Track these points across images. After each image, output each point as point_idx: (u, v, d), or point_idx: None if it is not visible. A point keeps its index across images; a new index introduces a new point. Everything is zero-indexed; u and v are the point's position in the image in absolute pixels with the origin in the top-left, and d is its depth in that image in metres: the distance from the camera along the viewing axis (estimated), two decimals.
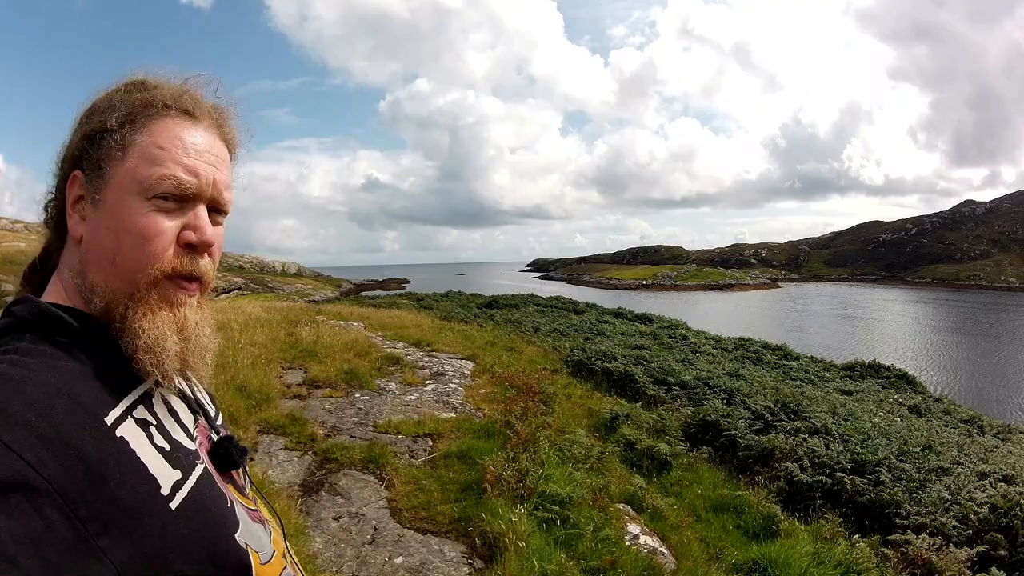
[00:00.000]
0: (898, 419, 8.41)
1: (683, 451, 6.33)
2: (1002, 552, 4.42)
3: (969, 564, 4.29)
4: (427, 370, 8.26)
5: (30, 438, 0.56)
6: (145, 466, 0.65)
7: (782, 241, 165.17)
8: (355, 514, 3.88)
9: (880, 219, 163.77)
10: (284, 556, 0.84)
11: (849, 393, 11.40)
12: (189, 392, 0.85)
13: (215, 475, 0.77)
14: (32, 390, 0.60)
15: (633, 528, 4.27)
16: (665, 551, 4.13)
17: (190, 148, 0.74)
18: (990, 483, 5.38)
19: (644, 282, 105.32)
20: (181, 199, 0.73)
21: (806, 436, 6.49)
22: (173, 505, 0.65)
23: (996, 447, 7.55)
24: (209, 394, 0.96)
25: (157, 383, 0.74)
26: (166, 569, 0.62)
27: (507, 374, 8.17)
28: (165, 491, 0.65)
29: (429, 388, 7.22)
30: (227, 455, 0.82)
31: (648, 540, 4.15)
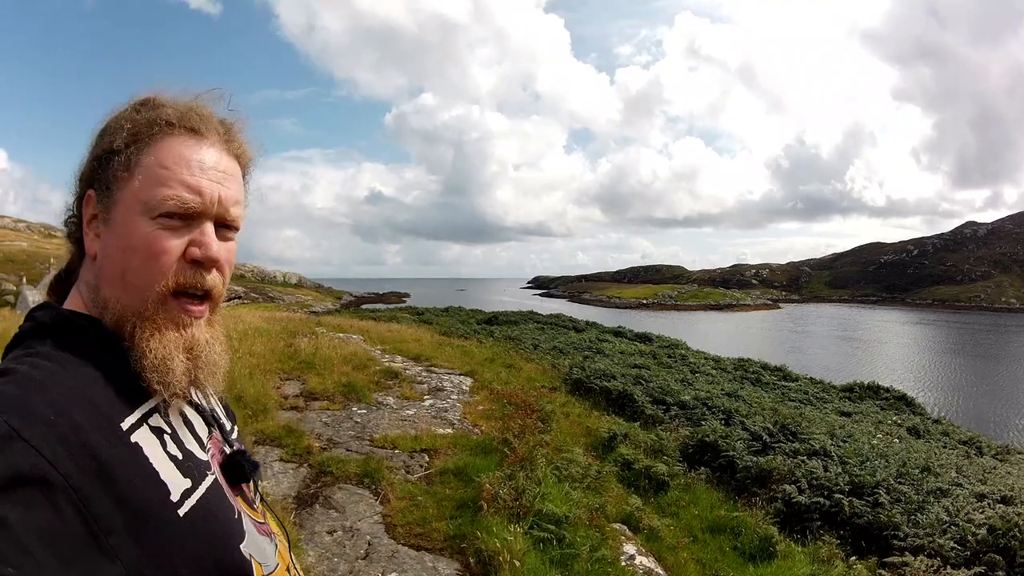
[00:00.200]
0: (897, 440, 8.37)
1: (681, 471, 6.30)
2: (1000, 573, 4.40)
3: None
4: (425, 385, 8.24)
5: (49, 436, 0.58)
6: (156, 472, 0.67)
7: (783, 262, 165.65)
8: (349, 528, 3.86)
9: (882, 240, 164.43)
10: (288, 570, 0.86)
11: (848, 414, 11.37)
12: (205, 405, 0.87)
13: (225, 487, 0.79)
14: (53, 392, 0.63)
15: (629, 548, 4.25)
16: (661, 572, 4.10)
17: (194, 166, 0.75)
18: (988, 504, 5.35)
19: (645, 301, 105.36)
20: (186, 217, 0.74)
21: (804, 458, 6.46)
22: (182, 512, 0.67)
23: (995, 468, 7.52)
24: (225, 406, 0.98)
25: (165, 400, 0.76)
26: (171, 573, 0.64)
27: (506, 391, 8.15)
28: (175, 498, 0.67)
29: (427, 403, 7.21)
30: (239, 468, 0.84)
31: (644, 560, 4.12)
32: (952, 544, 4.70)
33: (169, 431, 0.74)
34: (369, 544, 3.69)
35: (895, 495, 5.48)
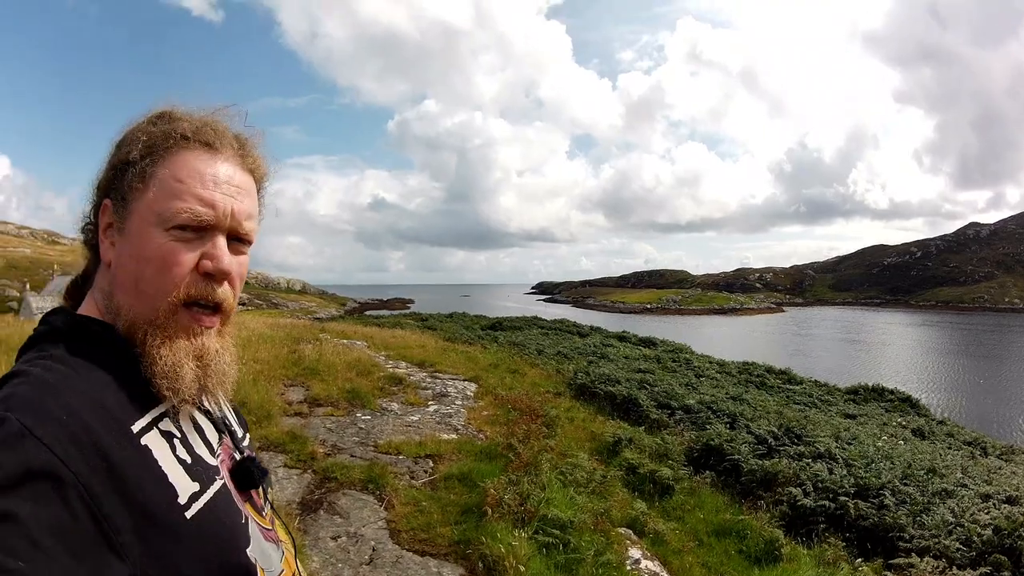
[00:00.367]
0: (901, 442, 8.34)
1: (686, 475, 6.29)
2: (1006, 574, 4.38)
3: None
4: (430, 391, 8.25)
5: (61, 435, 0.60)
6: (165, 475, 0.69)
7: (787, 265, 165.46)
8: (353, 534, 3.86)
9: (885, 243, 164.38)
10: None
11: (853, 417, 11.32)
12: (216, 412, 0.88)
13: (233, 492, 0.81)
14: (66, 394, 0.65)
15: (634, 553, 4.24)
16: None
17: (208, 180, 0.76)
18: (994, 505, 5.33)
19: (648, 306, 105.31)
20: (199, 230, 0.75)
21: (809, 460, 6.44)
22: (189, 514, 0.69)
23: (1000, 468, 7.48)
24: (237, 414, 0.99)
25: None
26: (177, 574, 0.65)
27: (510, 396, 8.16)
28: (182, 500, 0.69)
29: (431, 409, 7.22)
30: (248, 474, 0.85)
31: (649, 565, 4.12)
32: (958, 545, 4.68)
33: (179, 435, 0.75)
34: (373, 550, 3.70)
35: (900, 497, 5.46)
